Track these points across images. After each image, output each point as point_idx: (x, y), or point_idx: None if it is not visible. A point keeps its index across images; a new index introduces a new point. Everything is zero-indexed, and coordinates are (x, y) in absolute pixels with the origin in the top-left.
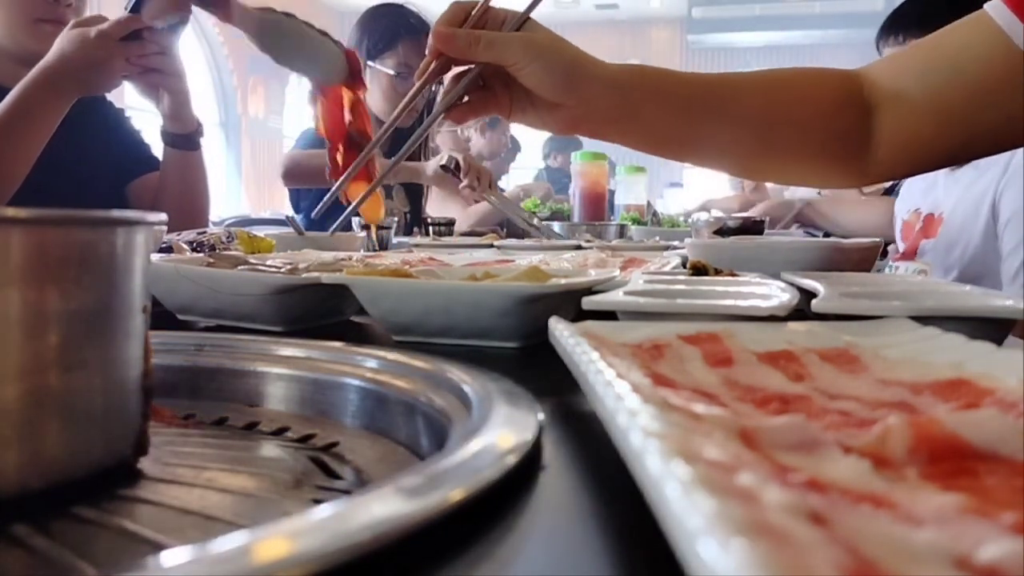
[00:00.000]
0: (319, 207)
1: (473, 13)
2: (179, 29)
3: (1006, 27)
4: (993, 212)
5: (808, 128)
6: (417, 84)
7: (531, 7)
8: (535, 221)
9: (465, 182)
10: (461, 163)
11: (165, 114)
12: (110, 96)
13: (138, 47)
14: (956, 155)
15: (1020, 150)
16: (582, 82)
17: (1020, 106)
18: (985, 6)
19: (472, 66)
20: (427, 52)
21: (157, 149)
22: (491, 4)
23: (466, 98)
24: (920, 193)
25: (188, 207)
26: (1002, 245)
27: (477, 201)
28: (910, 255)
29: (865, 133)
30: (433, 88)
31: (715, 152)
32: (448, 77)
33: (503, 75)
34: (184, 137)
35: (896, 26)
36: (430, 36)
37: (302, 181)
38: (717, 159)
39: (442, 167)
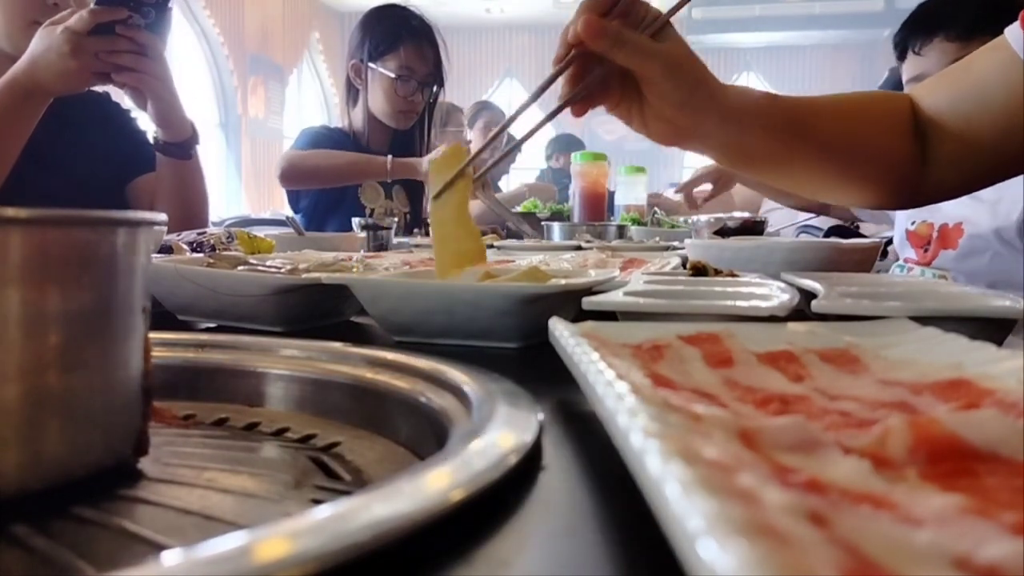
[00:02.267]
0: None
1: (620, 4)
2: (159, 29)
3: (1021, 51)
4: (1020, 231)
5: (882, 152)
6: (554, 70)
7: (673, 11)
8: (525, 226)
9: None
10: None
11: (154, 121)
12: (115, 96)
13: (109, 42)
14: (990, 178)
15: None
16: (704, 110)
17: None
18: (1005, 31)
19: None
20: (568, 37)
21: None
22: None
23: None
24: (925, 209)
25: (185, 212)
26: None
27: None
28: (927, 263)
29: (921, 156)
30: (435, 90)
31: (802, 175)
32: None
33: (626, 73)
34: (176, 146)
35: (927, 26)
36: (577, 21)
37: (300, 182)
38: (801, 182)
39: None
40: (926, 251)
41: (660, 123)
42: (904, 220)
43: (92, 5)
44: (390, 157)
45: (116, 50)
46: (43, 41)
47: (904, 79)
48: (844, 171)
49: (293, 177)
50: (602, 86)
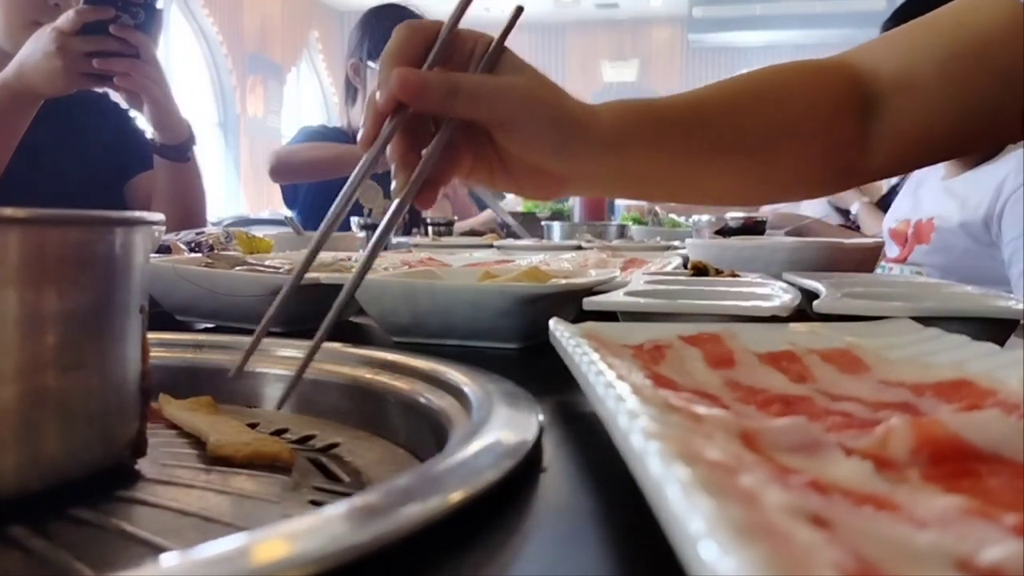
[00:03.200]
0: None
1: (438, 43)
2: (150, 29)
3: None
4: (987, 224)
5: (810, 141)
6: (366, 157)
7: (506, 33)
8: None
9: None
10: None
11: (150, 123)
12: (113, 95)
13: (96, 42)
14: (971, 145)
15: (1014, 176)
16: (576, 145)
17: None
18: None
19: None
20: (379, 101)
21: None
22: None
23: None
24: (908, 208)
25: (183, 212)
26: (1006, 255)
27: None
28: (903, 259)
29: (862, 132)
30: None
31: (716, 191)
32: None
33: (476, 133)
34: (173, 148)
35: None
36: (388, 78)
37: (288, 176)
38: (718, 196)
39: None
40: (905, 247)
41: (531, 176)
42: (888, 220)
43: (79, 5)
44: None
45: (104, 50)
46: (33, 43)
47: None
48: (770, 170)
49: (282, 172)
50: (445, 156)
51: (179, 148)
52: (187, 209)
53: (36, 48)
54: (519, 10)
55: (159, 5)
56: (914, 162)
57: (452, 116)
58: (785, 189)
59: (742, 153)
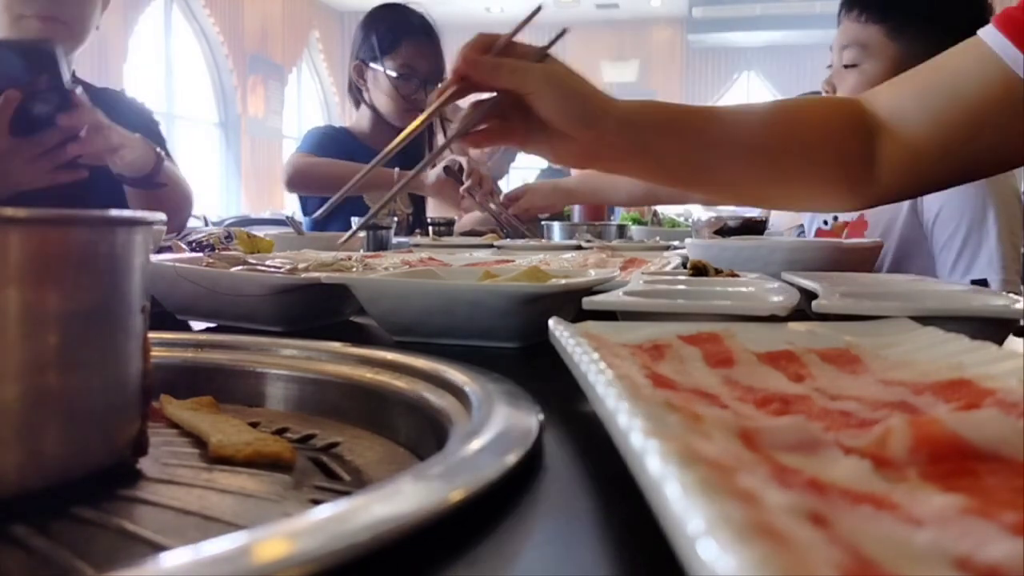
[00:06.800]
0: (321, 210)
1: (498, 44)
2: (68, 105)
3: (1000, 51)
4: (915, 209)
5: (816, 152)
6: (435, 103)
7: (552, 43)
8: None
9: (468, 183)
10: (464, 166)
11: (113, 169)
12: (116, 97)
13: (32, 143)
14: (958, 176)
15: None
16: (596, 116)
17: (1019, 128)
18: (979, 32)
19: (492, 95)
20: (449, 74)
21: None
22: (515, 39)
23: (483, 125)
24: None
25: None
26: (933, 242)
27: (471, 209)
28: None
29: (869, 156)
30: (439, 101)
31: (727, 182)
32: (467, 102)
33: (522, 106)
34: (141, 180)
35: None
36: (457, 59)
37: (306, 189)
38: (728, 190)
39: (445, 168)
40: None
41: (564, 144)
42: (817, 219)
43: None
44: (397, 169)
45: (40, 149)
46: None
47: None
48: (777, 173)
49: (300, 184)
50: (508, 126)
51: (147, 178)
52: (170, 219)
53: None
54: (537, 8)
55: (67, 84)
56: (911, 189)
57: (495, 86)
58: (793, 196)
59: (753, 153)
